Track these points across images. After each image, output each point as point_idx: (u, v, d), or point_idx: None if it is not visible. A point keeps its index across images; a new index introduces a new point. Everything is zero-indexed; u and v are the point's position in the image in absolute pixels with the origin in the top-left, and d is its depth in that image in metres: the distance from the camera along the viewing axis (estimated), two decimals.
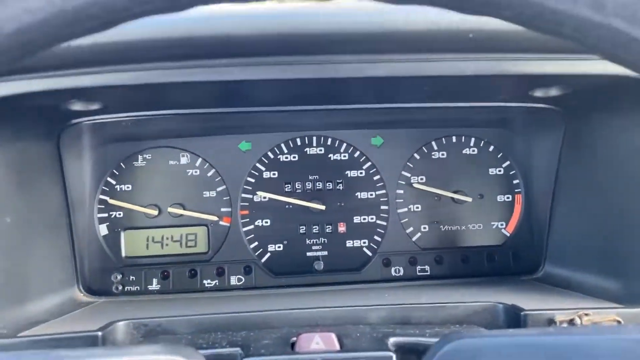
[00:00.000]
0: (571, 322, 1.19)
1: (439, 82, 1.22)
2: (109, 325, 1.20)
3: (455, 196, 1.73)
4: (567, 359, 0.87)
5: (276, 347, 1.08)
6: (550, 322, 1.19)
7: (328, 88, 1.30)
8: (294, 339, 1.10)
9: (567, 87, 1.28)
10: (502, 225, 1.76)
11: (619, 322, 1.19)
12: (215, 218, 1.68)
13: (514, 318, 1.23)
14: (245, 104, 1.43)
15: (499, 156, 1.76)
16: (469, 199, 1.73)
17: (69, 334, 1.15)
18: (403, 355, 1.06)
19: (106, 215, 1.66)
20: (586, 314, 1.20)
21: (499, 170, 1.76)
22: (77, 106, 1.26)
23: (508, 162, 1.76)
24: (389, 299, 1.42)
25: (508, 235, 1.75)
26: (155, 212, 1.66)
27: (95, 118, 1.38)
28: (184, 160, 1.69)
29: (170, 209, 1.66)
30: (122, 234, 1.66)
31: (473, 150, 1.76)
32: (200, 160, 1.69)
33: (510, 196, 1.76)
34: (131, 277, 1.64)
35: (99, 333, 1.15)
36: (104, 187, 1.66)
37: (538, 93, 1.34)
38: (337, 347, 1.06)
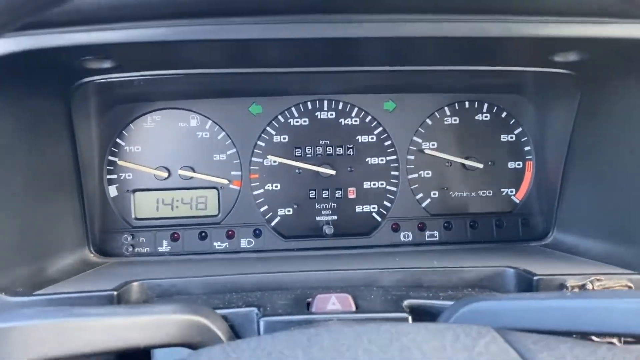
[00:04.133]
0: (583, 287, 1.19)
1: (461, 43, 1.20)
2: (124, 285, 1.20)
3: (467, 162, 1.73)
4: (583, 322, 0.88)
5: (292, 307, 1.09)
6: (562, 287, 1.19)
7: (343, 49, 1.27)
8: (309, 299, 1.10)
9: (588, 51, 1.26)
10: (512, 192, 1.76)
11: (630, 287, 1.20)
12: (225, 181, 1.68)
13: (527, 283, 1.23)
14: (258, 65, 1.40)
15: (511, 123, 1.76)
16: (480, 166, 1.73)
17: (85, 293, 1.15)
18: (417, 317, 1.07)
19: (115, 176, 1.66)
20: (598, 279, 1.21)
21: (511, 137, 1.75)
22: (90, 64, 1.23)
23: (520, 129, 1.75)
24: (400, 262, 1.42)
25: (518, 202, 1.76)
26: (165, 174, 1.66)
27: (108, 77, 1.36)
28: (193, 122, 1.67)
29: (180, 172, 1.66)
30: (132, 196, 1.66)
31: (486, 117, 1.75)
32: (210, 122, 1.68)
33: (521, 163, 1.76)
34: (141, 239, 1.65)
35: (115, 292, 1.15)
36: (112, 149, 1.66)
37: (558, 57, 1.32)
38: (353, 308, 1.07)
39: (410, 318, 1.03)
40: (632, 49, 1.20)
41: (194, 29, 1.10)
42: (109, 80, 1.38)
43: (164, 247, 1.65)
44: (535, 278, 1.21)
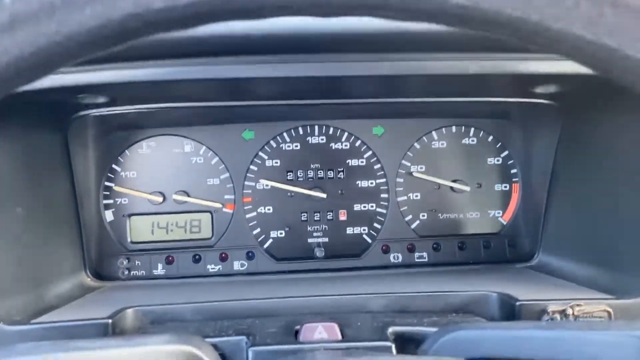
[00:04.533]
0: (563, 312, 1.22)
1: (442, 80, 1.24)
2: (119, 312, 1.23)
3: (454, 185, 1.74)
4: (559, 352, 0.92)
5: (281, 336, 1.12)
6: (543, 312, 1.22)
7: (331, 84, 1.31)
8: (298, 327, 1.14)
9: (567, 84, 1.30)
10: (498, 213, 1.78)
11: (608, 312, 1.23)
12: (219, 205, 1.70)
13: (509, 307, 1.26)
14: (249, 98, 1.44)
15: (497, 146, 1.77)
16: (468, 188, 1.75)
17: (81, 321, 1.18)
18: (402, 344, 1.10)
19: (111, 201, 1.68)
20: (578, 305, 1.23)
21: (497, 160, 1.77)
22: (85, 100, 1.27)
23: (506, 152, 1.77)
24: (389, 287, 1.44)
25: (504, 223, 1.78)
26: (160, 199, 1.68)
27: (102, 110, 1.40)
28: (187, 148, 1.70)
29: (174, 196, 1.68)
30: (128, 220, 1.68)
31: (472, 140, 1.77)
32: (204, 148, 1.70)
33: (507, 185, 1.78)
34: (137, 262, 1.67)
35: (109, 320, 1.18)
36: (109, 175, 1.67)
37: (539, 89, 1.36)
38: (339, 336, 1.10)
39: (393, 347, 1.06)
40: (606, 85, 1.23)
41: (185, 69, 1.14)
42: (103, 113, 1.41)
43: (159, 270, 1.67)
44: (517, 304, 1.24)
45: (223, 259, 1.70)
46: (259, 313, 1.28)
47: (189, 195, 1.69)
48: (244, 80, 1.18)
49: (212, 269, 1.69)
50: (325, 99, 1.46)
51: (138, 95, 1.34)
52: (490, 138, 1.78)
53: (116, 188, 1.68)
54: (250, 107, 1.50)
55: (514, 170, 1.78)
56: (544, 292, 1.35)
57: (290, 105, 1.48)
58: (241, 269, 1.70)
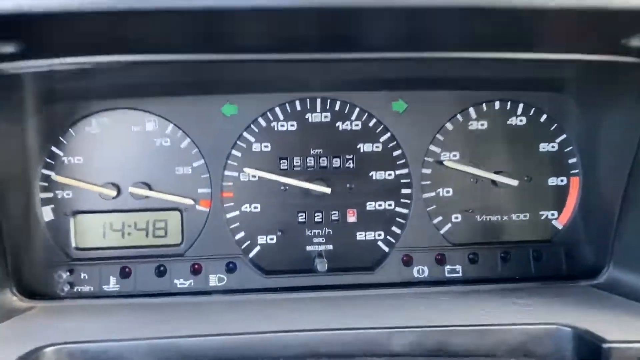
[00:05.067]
0: None
1: (495, 19, 0.93)
2: (32, 354, 0.94)
3: (497, 178, 1.51)
4: None
5: None
6: None
7: (338, 27, 1.01)
8: None
9: None
10: (553, 215, 1.54)
11: None
12: (190, 201, 1.47)
13: (592, 351, 0.97)
14: (229, 49, 1.10)
15: (552, 128, 1.53)
16: (514, 182, 1.51)
17: None
18: None
19: (51, 195, 1.44)
20: None
21: (553, 147, 1.53)
22: None
23: (564, 136, 1.53)
24: (415, 315, 1.16)
25: (560, 228, 1.54)
26: (114, 193, 1.44)
27: (18, 66, 1.05)
28: (150, 126, 1.46)
29: (132, 189, 1.45)
30: (72, 220, 1.44)
31: (520, 120, 1.52)
32: (171, 126, 1.46)
33: (564, 179, 1.54)
34: (82, 275, 1.44)
35: None
36: (47, 160, 1.43)
37: (635, 41, 1.02)
38: None
39: None
40: None
41: None
42: (24, 70, 1.06)
43: (111, 285, 1.42)
44: (604, 346, 0.95)
45: (195, 271, 1.46)
46: (236, 354, 1.02)
47: (151, 189, 1.46)
48: (217, 13, 0.86)
49: (180, 284, 1.45)
50: (329, 52, 1.13)
51: (62, 39, 0.99)
52: (544, 117, 1.53)
53: (57, 178, 1.43)
54: (232, 66, 1.22)
55: (572, 160, 1.54)
56: (635, 325, 1.06)
57: (283, 62, 1.17)
58: (219, 285, 1.46)
